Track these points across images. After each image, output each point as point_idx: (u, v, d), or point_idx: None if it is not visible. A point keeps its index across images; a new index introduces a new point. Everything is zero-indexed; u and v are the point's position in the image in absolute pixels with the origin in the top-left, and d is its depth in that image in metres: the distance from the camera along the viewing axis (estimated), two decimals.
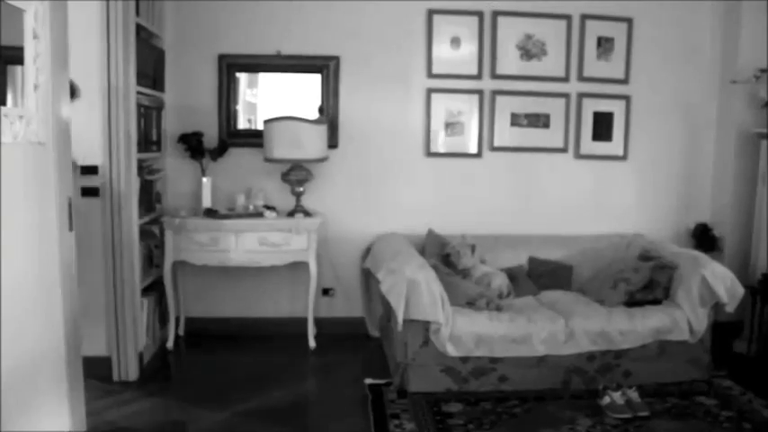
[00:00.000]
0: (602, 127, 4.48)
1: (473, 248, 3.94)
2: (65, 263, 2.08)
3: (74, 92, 3.13)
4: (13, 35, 1.79)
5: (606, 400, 3.18)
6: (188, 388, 3.47)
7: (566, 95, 4.42)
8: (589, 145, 4.49)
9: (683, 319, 3.49)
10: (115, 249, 3.42)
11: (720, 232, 4.41)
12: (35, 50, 1.86)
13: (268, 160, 4.04)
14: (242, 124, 4.33)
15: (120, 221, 3.41)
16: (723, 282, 3.51)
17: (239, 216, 3.98)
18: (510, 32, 4.33)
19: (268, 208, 4.09)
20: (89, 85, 3.28)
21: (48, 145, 1.96)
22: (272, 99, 4.36)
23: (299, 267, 4.11)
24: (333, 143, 4.26)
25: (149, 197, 3.95)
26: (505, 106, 4.38)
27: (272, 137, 3.96)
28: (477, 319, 3.37)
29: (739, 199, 4.37)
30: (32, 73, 1.86)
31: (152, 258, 4.02)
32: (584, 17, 4.37)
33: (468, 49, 4.32)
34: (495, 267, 4.00)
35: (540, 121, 4.43)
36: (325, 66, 4.25)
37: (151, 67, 3.90)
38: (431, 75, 4.31)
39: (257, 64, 4.26)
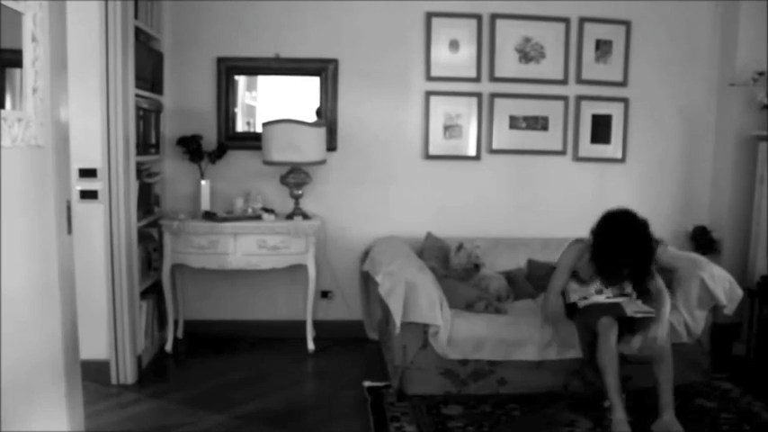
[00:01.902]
0: (601, 129, 4.49)
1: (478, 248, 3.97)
2: (63, 266, 2.07)
3: None
4: (12, 38, 1.79)
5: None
6: (187, 391, 3.47)
7: (564, 98, 4.43)
8: (588, 147, 4.50)
9: (680, 322, 3.48)
10: (114, 252, 3.42)
11: (719, 235, 4.42)
12: (34, 54, 1.86)
13: (267, 163, 4.04)
14: (241, 127, 4.33)
15: (118, 224, 3.41)
16: (722, 284, 3.51)
17: (238, 219, 3.98)
18: (508, 35, 4.33)
19: (267, 211, 4.09)
20: (88, 88, 3.28)
21: (46, 148, 1.96)
22: (270, 102, 4.37)
23: (297, 270, 4.11)
24: (331, 146, 4.26)
25: (148, 200, 3.95)
26: (504, 109, 4.38)
27: (271, 140, 3.96)
28: (475, 322, 3.37)
29: (738, 201, 4.37)
30: (31, 76, 1.86)
31: (150, 261, 4.02)
32: (583, 20, 4.38)
33: (467, 51, 4.32)
34: (493, 270, 4.00)
35: (539, 123, 4.43)
36: (323, 68, 4.25)
37: (150, 70, 3.90)
38: (429, 78, 4.31)
39: (256, 67, 4.26)
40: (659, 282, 3.23)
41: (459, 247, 3.93)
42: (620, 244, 3.07)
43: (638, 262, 3.10)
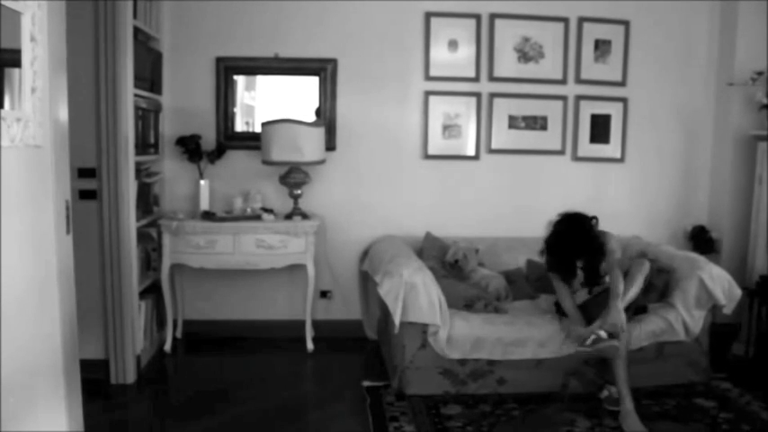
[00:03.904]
0: (600, 129, 4.49)
1: (476, 251, 3.98)
2: (62, 265, 2.07)
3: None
4: (11, 38, 1.79)
5: (605, 393, 3.25)
6: (186, 391, 3.47)
7: (563, 98, 4.43)
8: (587, 147, 4.50)
9: (678, 322, 3.48)
10: (113, 252, 3.41)
11: (718, 234, 4.42)
12: (32, 53, 1.86)
13: (266, 163, 4.04)
14: (240, 127, 4.33)
15: (117, 224, 3.41)
16: (720, 284, 3.51)
17: (237, 219, 3.98)
18: (507, 35, 4.33)
19: (266, 210, 4.09)
20: (87, 88, 3.28)
21: (45, 148, 1.96)
22: (269, 102, 4.36)
23: (296, 270, 4.11)
24: (330, 146, 4.26)
25: (147, 200, 3.95)
26: (503, 109, 4.39)
27: (270, 139, 3.96)
28: (474, 321, 3.37)
29: (737, 201, 4.38)
30: (30, 76, 1.86)
31: (149, 261, 4.02)
32: (582, 20, 4.38)
33: (466, 51, 4.32)
34: (493, 270, 4.01)
35: (538, 123, 4.43)
36: (322, 68, 4.25)
37: (149, 70, 3.90)
38: (428, 77, 4.31)
39: (255, 66, 4.26)
40: (611, 262, 3.30)
41: (454, 243, 4.03)
42: (560, 236, 3.31)
43: (580, 247, 3.27)
